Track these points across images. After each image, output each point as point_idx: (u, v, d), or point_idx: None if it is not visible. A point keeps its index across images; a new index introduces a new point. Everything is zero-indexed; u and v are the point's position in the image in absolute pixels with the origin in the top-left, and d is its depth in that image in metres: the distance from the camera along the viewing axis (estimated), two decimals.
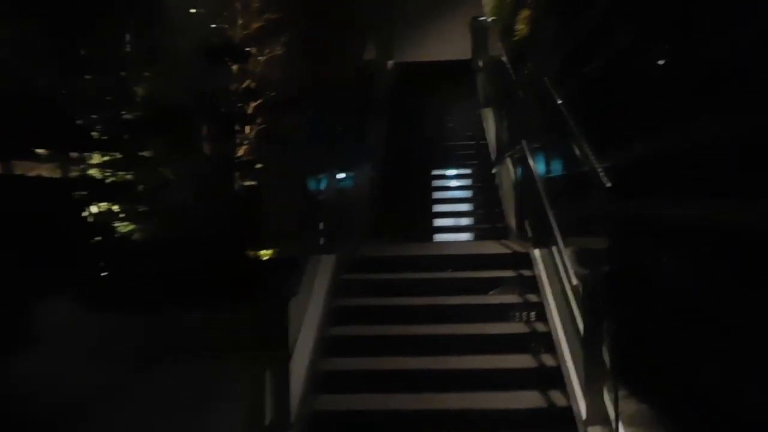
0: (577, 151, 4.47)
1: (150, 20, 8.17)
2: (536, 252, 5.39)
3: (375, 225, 7.22)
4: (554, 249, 5.08)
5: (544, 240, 5.39)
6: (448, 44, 13.32)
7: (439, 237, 7.44)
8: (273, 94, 8.62)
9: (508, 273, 5.32)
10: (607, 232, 4.13)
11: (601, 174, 3.94)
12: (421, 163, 8.69)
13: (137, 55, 8.04)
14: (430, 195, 8.26)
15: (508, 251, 5.66)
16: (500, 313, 4.95)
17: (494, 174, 8.20)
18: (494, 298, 5.16)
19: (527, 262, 5.40)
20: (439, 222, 7.70)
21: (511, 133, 7.23)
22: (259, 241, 8.29)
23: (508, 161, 8.08)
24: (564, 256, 4.60)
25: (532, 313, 4.90)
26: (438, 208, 8.06)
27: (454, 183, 8.54)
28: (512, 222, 7.04)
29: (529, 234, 6.42)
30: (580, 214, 4.74)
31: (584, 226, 4.63)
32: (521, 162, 6.46)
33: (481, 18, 10.82)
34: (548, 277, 5.03)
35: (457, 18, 13.38)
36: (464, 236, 7.55)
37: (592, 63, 6.16)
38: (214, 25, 8.78)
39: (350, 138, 8.11)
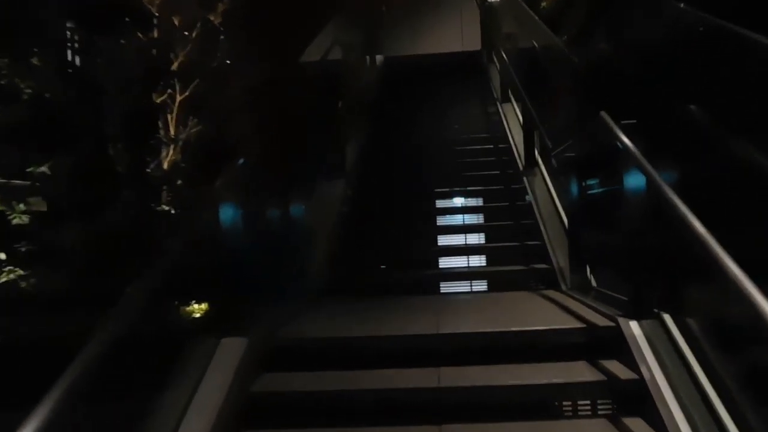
0: None
1: None
2: (635, 327, 2.74)
3: (340, 277, 4.61)
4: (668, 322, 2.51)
5: (642, 297, 2.79)
6: (449, 34, 10.85)
7: (446, 286, 4.80)
8: (201, 83, 6.10)
9: (586, 376, 2.65)
10: None
11: None
12: (418, 181, 6.10)
13: None
14: (434, 222, 5.66)
15: (575, 323, 3.00)
16: None
17: (524, 189, 5.60)
18: None
19: (618, 347, 2.74)
20: (446, 262, 5.07)
21: (555, 126, 4.66)
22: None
23: (542, 169, 5.51)
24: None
25: None
26: (444, 240, 5.43)
27: (463, 202, 5.91)
28: (561, 260, 4.41)
29: (592, 281, 3.84)
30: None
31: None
32: (578, 167, 3.87)
33: None
34: (677, 392, 2.38)
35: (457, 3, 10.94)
36: (482, 284, 4.89)
37: None
38: None
39: (307, 154, 5.59)
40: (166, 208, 5.85)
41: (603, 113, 3.01)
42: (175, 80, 6.08)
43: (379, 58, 9.92)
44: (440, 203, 5.92)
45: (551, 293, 4.09)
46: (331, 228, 5.15)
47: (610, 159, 2.99)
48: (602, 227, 3.66)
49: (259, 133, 6.64)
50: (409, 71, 9.27)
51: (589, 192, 3.82)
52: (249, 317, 3.03)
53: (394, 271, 4.72)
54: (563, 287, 4.19)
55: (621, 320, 2.80)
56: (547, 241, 4.74)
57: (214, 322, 3.03)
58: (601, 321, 2.92)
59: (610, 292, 3.39)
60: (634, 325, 2.74)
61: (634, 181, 2.74)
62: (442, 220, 5.67)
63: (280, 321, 3.21)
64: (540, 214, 5.08)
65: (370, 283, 4.59)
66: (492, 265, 4.94)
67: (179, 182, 6.02)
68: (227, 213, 3.01)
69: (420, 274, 4.72)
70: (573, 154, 4.02)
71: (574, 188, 4.00)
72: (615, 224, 3.11)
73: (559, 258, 4.47)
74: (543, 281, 4.47)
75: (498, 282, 4.60)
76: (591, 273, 4.07)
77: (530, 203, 5.33)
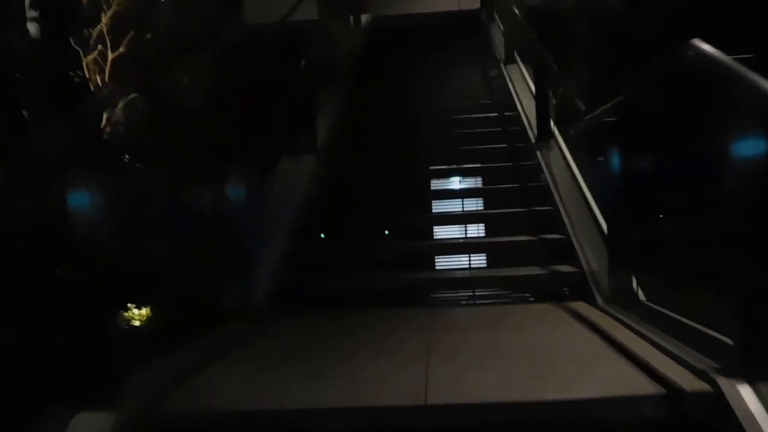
0: None
1: None
2: (751, 397, 1.63)
3: (299, 283, 3.52)
4: None
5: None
6: None
7: (441, 295, 3.68)
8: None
9: None
10: None
11: None
12: (409, 159, 4.98)
13: None
14: (428, 205, 4.55)
15: (638, 379, 1.89)
16: None
17: (537, 166, 4.47)
18: None
19: None
20: (443, 262, 3.96)
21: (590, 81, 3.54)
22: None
23: (559, 142, 4.39)
24: None
25: None
26: (441, 231, 4.31)
27: (462, 183, 4.77)
28: (592, 261, 3.32)
29: (640, 293, 2.77)
30: None
31: None
32: (627, 132, 2.75)
33: None
34: None
35: None
36: (488, 291, 3.76)
37: None
38: None
39: (267, 128, 4.46)
40: None
41: (696, 41, 1.86)
42: (106, 35, 4.90)
43: (364, 18, 8.72)
44: (436, 183, 4.79)
45: (583, 309, 2.99)
46: (294, 218, 4.03)
47: (700, 114, 1.86)
48: (670, 219, 2.56)
49: (208, 102, 5.49)
50: (400, 33, 8.10)
51: (645, 168, 2.70)
52: (128, 370, 1.94)
53: (371, 275, 3.60)
54: (598, 299, 3.08)
55: (723, 382, 1.69)
56: (571, 233, 3.63)
57: (72, 378, 1.92)
58: (685, 378, 1.82)
59: (684, 319, 2.28)
60: (748, 394, 1.64)
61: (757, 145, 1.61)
62: (438, 206, 4.55)
63: (182, 369, 2.10)
64: (560, 199, 3.96)
65: (337, 293, 3.48)
66: (500, 265, 3.82)
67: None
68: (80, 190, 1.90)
69: (405, 279, 3.60)
70: (619, 116, 2.88)
71: (617, 163, 2.87)
72: (700, 214, 2.01)
73: (590, 258, 3.36)
74: (569, 287, 3.38)
75: (510, 286, 3.50)
76: (638, 282, 2.97)
77: (546, 184, 4.20)
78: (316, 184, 4.53)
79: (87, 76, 5.39)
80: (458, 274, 3.81)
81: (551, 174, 4.24)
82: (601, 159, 3.50)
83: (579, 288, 3.29)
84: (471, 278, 3.56)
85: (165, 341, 2.60)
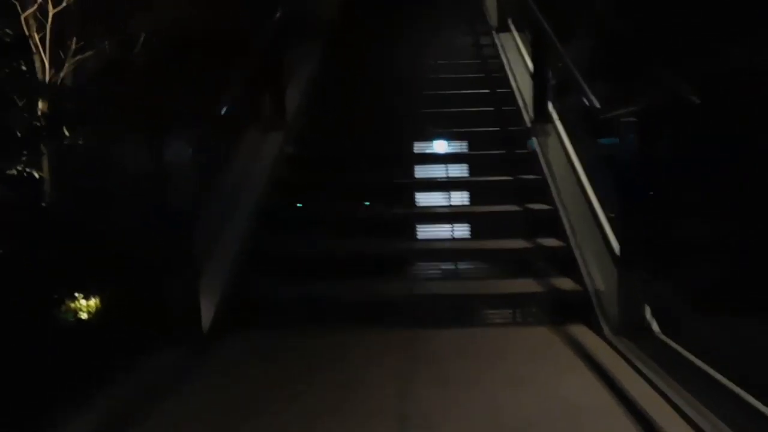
0: None
1: None
2: None
3: (257, 293, 3.02)
4: None
5: None
6: None
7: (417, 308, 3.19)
8: None
9: None
10: None
11: None
12: (387, 140, 4.44)
13: None
14: (408, 195, 4.04)
15: None
16: None
17: (533, 156, 3.96)
18: None
19: None
20: (422, 269, 3.45)
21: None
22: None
23: (557, 127, 3.89)
24: None
25: None
26: (424, 231, 3.79)
27: (448, 171, 4.23)
28: (597, 277, 2.86)
29: (653, 324, 2.33)
30: None
31: None
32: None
33: None
34: None
35: None
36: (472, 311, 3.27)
37: None
38: None
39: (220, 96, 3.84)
40: (27, 170, 4.12)
41: None
42: None
43: None
44: (419, 170, 4.24)
45: (587, 339, 2.55)
46: (254, 206, 3.48)
47: None
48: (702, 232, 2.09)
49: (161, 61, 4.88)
50: None
51: (673, 163, 2.21)
52: None
53: (339, 285, 3.09)
54: (605, 328, 2.63)
55: None
56: (572, 241, 3.15)
57: None
58: None
59: (718, 376, 1.83)
60: None
61: None
62: (421, 198, 4.03)
63: None
64: (560, 198, 3.47)
65: (299, 307, 2.97)
66: (491, 276, 3.33)
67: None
68: None
69: (382, 293, 3.08)
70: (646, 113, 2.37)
71: (632, 156, 2.37)
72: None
73: (594, 273, 2.89)
74: (567, 306, 2.91)
75: (502, 305, 3.02)
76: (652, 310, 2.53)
77: (543, 178, 3.70)
78: (283, 163, 3.97)
79: (27, 33, 4.70)
80: (445, 286, 3.32)
81: (549, 166, 3.74)
82: (608, 150, 3.03)
83: (581, 308, 2.83)
84: (463, 296, 3.04)
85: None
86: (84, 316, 4.58)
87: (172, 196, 2.65)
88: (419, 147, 4.46)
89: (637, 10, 3.61)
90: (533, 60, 4.24)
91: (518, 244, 3.27)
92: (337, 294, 3.01)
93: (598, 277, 2.85)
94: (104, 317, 4.05)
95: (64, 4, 4.53)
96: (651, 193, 2.57)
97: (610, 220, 2.99)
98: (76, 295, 4.35)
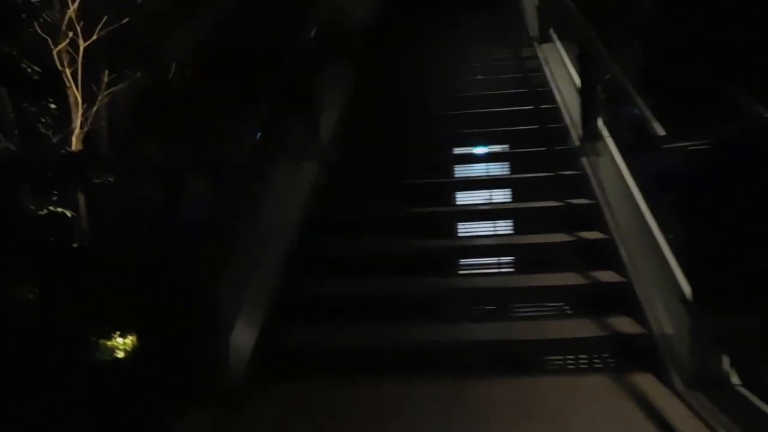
0: None
1: None
2: None
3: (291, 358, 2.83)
4: None
5: None
6: None
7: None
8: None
9: None
10: None
11: None
12: (425, 160, 4.23)
13: None
14: (452, 228, 3.81)
15: None
16: None
17: (583, 177, 3.67)
18: None
19: None
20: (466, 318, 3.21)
21: None
22: None
23: (608, 146, 3.61)
24: None
25: None
26: (466, 263, 3.54)
27: (491, 196, 3.98)
28: (663, 318, 2.57)
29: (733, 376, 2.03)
30: None
31: None
32: None
33: None
34: None
35: None
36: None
37: None
38: None
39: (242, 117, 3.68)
40: (59, 210, 4.06)
41: None
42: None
43: None
44: (461, 197, 4.01)
45: (654, 394, 2.26)
46: (286, 246, 3.31)
47: None
48: None
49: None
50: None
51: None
52: None
53: (377, 328, 2.87)
54: (675, 379, 2.33)
55: None
56: (632, 275, 2.86)
57: None
58: None
59: None
60: None
61: None
62: (462, 226, 3.79)
63: None
64: (616, 225, 3.18)
65: (338, 356, 2.77)
66: (533, 317, 3.06)
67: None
68: None
69: (426, 342, 2.84)
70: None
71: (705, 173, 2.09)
72: None
73: (659, 313, 2.59)
74: (630, 352, 2.63)
75: (550, 350, 2.75)
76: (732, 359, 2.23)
77: (596, 203, 3.41)
78: (318, 196, 3.79)
79: (61, 67, 4.68)
80: (489, 329, 3.06)
81: (602, 189, 3.45)
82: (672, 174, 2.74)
83: (646, 354, 2.54)
84: (510, 342, 2.78)
85: None
86: (120, 354, 4.50)
87: (187, 258, 2.51)
88: (460, 170, 4.22)
89: (697, 16, 3.30)
90: (580, 74, 3.95)
91: (570, 279, 2.99)
92: (375, 342, 2.80)
93: (665, 319, 2.56)
94: (140, 356, 3.95)
95: (95, 37, 4.48)
96: (728, 223, 2.28)
97: (675, 251, 2.70)
98: (113, 334, 4.27)
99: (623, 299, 2.83)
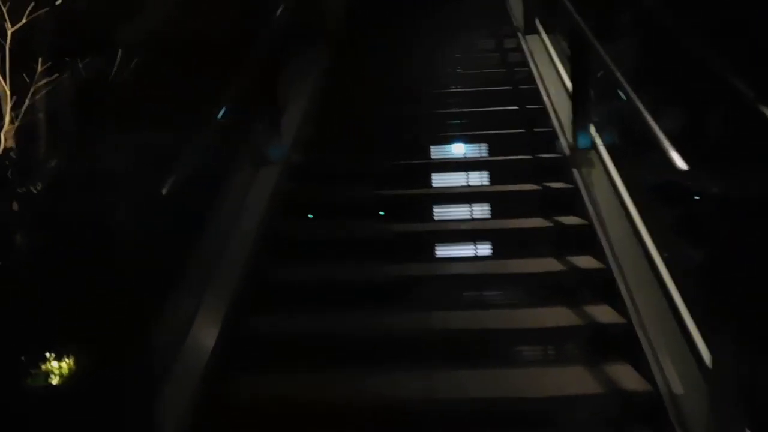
0: None
1: None
2: None
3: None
4: None
5: None
6: None
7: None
8: None
9: None
10: None
11: None
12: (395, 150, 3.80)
13: None
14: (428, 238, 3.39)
15: None
16: None
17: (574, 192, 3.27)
18: None
19: None
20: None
21: None
22: None
23: (602, 157, 3.24)
24: None
25: None
26: (442, 288, 3.12)
27: (469, 211, 3.56)
28: (670, 375, 2.18)
29: None
30: None
31: None
32: None
33: None
34: None
35: None
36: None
37: None
38: None
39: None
40: None
41: None
42: None
43: None
44: (439, 210, 3.58)
45: None
46: (238, 279, 2.84)
47: None
48: None
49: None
50: None
51: None
52: None
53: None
54: None
55: None
56: (632, 314, 2.47)
57: None
58: None
59: None
60: None
61: None
62: (442, 251, 3.37)
63: None
64: (612, 250, 2.78)
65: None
66: (516, 364, 2.66)
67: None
68: None
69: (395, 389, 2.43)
70: None
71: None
72: None
73: (666, 367, 2.20)
74: (633, 411, 2.25)
75: (534, 409, 2.35)
76: None
77: (590, 224, 3.02)
78: (279, 209, 3.34)
79: None
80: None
81: (595, 207, 3.05)
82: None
83: (652, 415, 2.16)
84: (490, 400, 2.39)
85: None
86: (55, 380, 4.02)
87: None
88: (438, 179, 3.80)
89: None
90: (571, 76, 3.55)
91: (560, 317, 2.60)
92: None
93: (673, 374, 2.18)
94: (79, 382, 3.50)
95: (24, 21, 3.92)
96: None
97: (682, 289, 2.33)
98: (47, 355, 3.78)
99: (622, 343, 2.45)
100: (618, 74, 2.86)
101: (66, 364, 3.85)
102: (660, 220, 2.75)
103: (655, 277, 2.54)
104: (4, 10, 3.82)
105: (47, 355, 3.70)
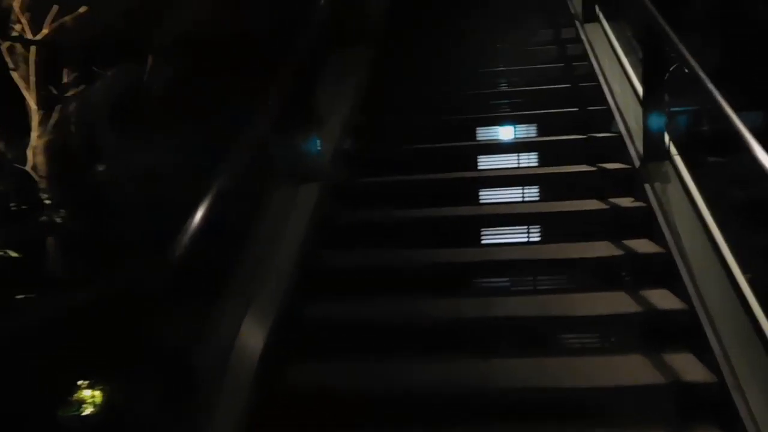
0: None
1: None
2: None
3: None
4: None
5: None
6: None
7: None
8: None
9: None
10: None
11: None
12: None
13: None
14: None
15: None
16: None
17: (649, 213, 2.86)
18: None
19: None
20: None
21: None
22: None
23: (681, 175, 2.82)
24: None
25: None
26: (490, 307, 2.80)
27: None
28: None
29: None
30: None
31: None
32: None
33: None
34: None
35: None
36: None
37: None
38: None
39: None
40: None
41: None
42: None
43: None
44: (489, 234, 3.24)
45: None
46: (273, 319, 2.56)
47: None
48: None
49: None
50: None
51: None
52: None
53: None
54: None
55: None
56: (726, 371, 2.07)
57: None
58: None
59: None
60: None
61: None
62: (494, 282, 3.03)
63: None
64: (696, 288, 2.38)
65: None
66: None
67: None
68: None
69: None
70: None
71: None
72: None
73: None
74: None
75: None
76: None
77: (668, 252, 2.62)
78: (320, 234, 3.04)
79: (13, 66, 4.00)
80: None
81: (673, 233, 2.65)
82: None
83: None
84: None
85: None
86: (89, 410, 3.89)
87: None
88: (485, 194, 3.44)
89: None
90: (643, 77, 3.10)
91: (633, 375, 2.22)
92: None
93: None
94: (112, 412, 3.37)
95: (45, 31, 3.76)
96: None
97: None
98: (80, 383, 3.65)
99: (714, 404, 2.07)
100: (702, 75, 2.45)
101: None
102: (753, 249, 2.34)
103: (750, 320, 2.15)
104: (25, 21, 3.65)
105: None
